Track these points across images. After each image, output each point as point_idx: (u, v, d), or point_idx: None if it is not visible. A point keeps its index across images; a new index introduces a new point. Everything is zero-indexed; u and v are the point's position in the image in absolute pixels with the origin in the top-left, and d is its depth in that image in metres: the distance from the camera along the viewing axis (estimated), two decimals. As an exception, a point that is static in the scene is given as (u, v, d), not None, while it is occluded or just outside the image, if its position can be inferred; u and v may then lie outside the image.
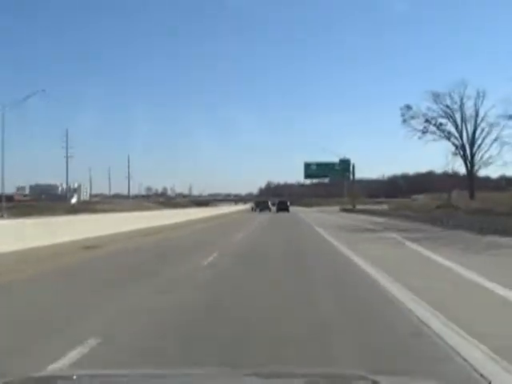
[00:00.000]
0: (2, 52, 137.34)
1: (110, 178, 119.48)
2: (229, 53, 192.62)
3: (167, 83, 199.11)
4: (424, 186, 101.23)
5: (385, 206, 73.08)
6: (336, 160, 76.69)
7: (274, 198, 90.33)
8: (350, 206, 77.24)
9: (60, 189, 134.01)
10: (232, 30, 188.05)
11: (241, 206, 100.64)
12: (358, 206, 74.96)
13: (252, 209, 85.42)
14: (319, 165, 77.09)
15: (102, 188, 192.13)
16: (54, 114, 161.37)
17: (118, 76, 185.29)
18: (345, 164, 76.59)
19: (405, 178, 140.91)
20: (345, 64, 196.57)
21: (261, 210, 72.69)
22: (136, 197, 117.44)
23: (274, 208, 73.08)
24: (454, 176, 54.12)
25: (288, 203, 71.26)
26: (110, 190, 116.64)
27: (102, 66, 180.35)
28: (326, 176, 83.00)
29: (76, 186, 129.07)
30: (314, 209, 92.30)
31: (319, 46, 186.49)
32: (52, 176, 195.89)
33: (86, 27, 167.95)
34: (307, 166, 77.42)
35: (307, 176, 79.59)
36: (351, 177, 78.12)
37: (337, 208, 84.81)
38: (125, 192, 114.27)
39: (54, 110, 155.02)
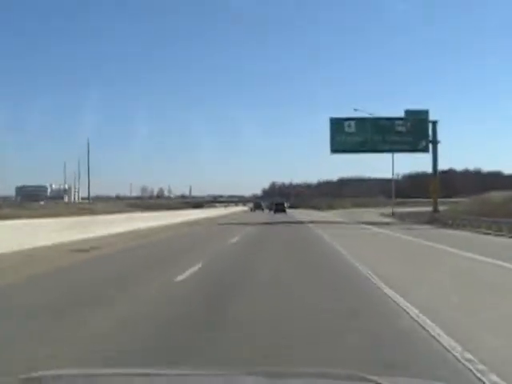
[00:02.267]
0: None
1: (79, 176, 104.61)
2: (229, 53, 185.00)
3: (167, 84, 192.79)
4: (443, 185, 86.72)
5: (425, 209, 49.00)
6: (398, 114, 37.31)
7: (278, 199, 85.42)
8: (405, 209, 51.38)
9: (49, 190, 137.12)
10: (232, 30, 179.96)
11: (240, 208, 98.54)
12: (396, 209, 49.68)
13: (250, 210, 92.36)
14: (361, 122, 37.92)
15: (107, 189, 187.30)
16: (55, 115, 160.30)
17: (118, 77, 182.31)
18: (418, 118, 36.87)
19: (421, 176, 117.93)
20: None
21: (270, 210, 75.25)
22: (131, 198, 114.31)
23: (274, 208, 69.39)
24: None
25: (285, 204, 71.11)
26: (78, 188, 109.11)
27: (102, 67, 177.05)
28: (371, 150, 37.96)
29: (67, 187, 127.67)
30: (332, 213, 62.80)
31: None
32: (57, 178, 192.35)
33: (86, 29, 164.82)
34: (337, 124, 37.65)
35: (336, 149, 37.96)
36: (430, 147, 37.63)
37: (375, 211, 59.66)
38: (123, 193, 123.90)
39: (55, 111, 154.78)
